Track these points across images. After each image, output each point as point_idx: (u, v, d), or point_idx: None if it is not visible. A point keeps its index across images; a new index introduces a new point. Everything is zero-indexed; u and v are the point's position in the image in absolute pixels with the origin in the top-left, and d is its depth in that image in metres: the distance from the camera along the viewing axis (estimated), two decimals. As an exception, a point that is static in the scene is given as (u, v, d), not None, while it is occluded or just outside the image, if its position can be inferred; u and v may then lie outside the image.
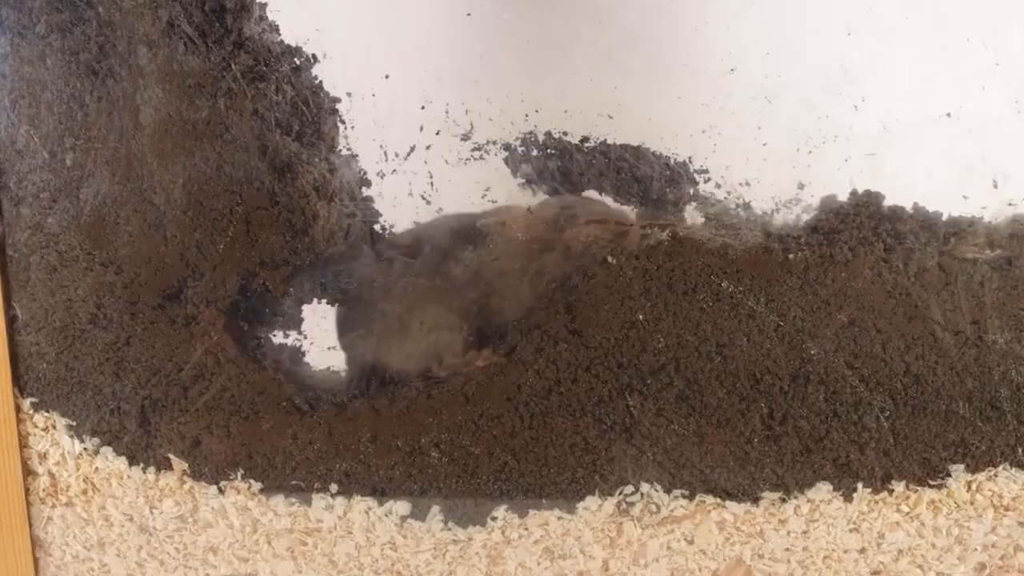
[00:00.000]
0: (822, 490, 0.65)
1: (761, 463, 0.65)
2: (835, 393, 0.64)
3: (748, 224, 0.66)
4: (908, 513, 0.65)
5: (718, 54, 0.63)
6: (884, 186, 0.63)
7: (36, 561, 0.71)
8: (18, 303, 0.66)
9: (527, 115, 0.66)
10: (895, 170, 0.63)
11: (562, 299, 0.65)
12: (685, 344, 0.64)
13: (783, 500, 0.65)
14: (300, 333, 0.71)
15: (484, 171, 0.67)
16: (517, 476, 0.67)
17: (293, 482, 0.68)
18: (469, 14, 0.64)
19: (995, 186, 0.63)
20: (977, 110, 0.62)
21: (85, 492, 0.69)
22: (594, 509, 0.67)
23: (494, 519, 0.67)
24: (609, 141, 0.68)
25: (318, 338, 0.71)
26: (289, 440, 0.67)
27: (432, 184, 0.68)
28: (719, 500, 0.66)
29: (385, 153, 0.67)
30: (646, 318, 0.64)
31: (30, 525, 0.70)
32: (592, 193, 0.68)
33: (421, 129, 0.66)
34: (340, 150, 0.68)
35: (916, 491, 0.65)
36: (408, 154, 0.67)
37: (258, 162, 0.63)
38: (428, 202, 0.68)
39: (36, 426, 0.69)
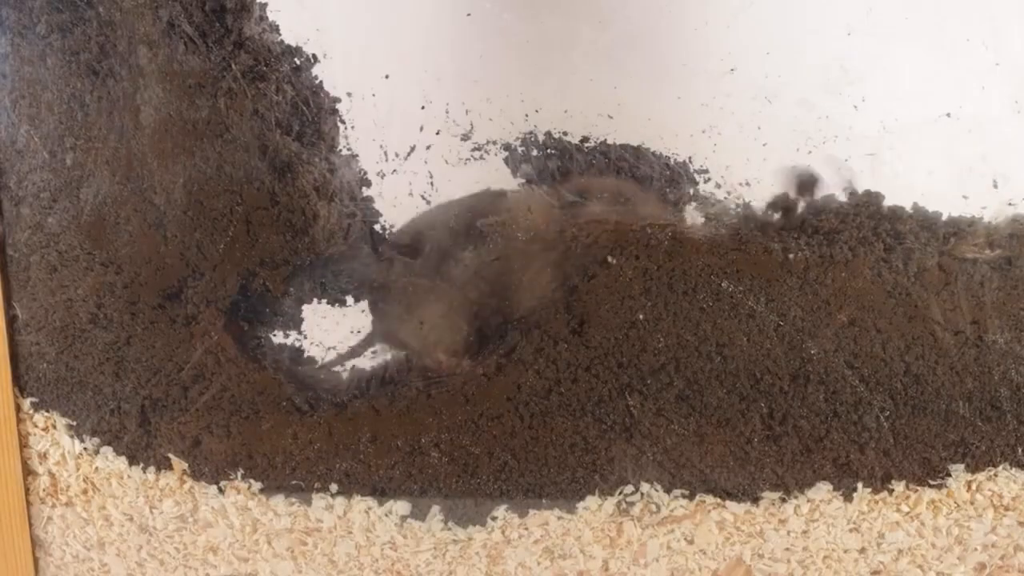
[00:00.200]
0: (822, 490, 0.65)
1: (761, 463, 0.65)
2: (835, 393, 0.64)
3: (748, 224, 0.66)
4: (908, 513, 0.65)
5: (718, 54, 0.63)
6: (884, 186, 0.63)
7: (36, 561, 0.71)
8: (18, 303, 0.67)
9: (527, 115, 0.66)
10: (895, 170, 0.63)
11: (562, 299, 0.65)
12: (685, 344, 0.64)
13: (783, 500, 0.65)
14: (300, 333, 0.71)
15: (484, 171, 0.67)
16: (517, 476, 0.67)
17: (293, 482, 0.68)
18: (469, 14, 0.64)
19: (995, 186, 0.63)
20: (977, 110, 0.62)
21: (85, 492, 0.69)
22: (594, 509, 0.67)
23: (494, 519, 0.67)
24: (609, 141, 0.68)
25: (318, 338, 0.71)
26: (289, 440, 0.67)
27: (432, 184, 0.68)
28: (719, 500, 0.66)
29: (385, 153, 0.67)
30: (646, 318, 0.64)
31: (30, 525, 0.70)
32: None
33: (421, 129, 0.66)
34: (340, 150, 0.68)
35: (916, 491, 0.65)
36: (408, 154, 0.67)
37: (258, 162, 0.63)
38: (428, 202, 0.68)
39: (36, 426, 0.69)
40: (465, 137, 0.66)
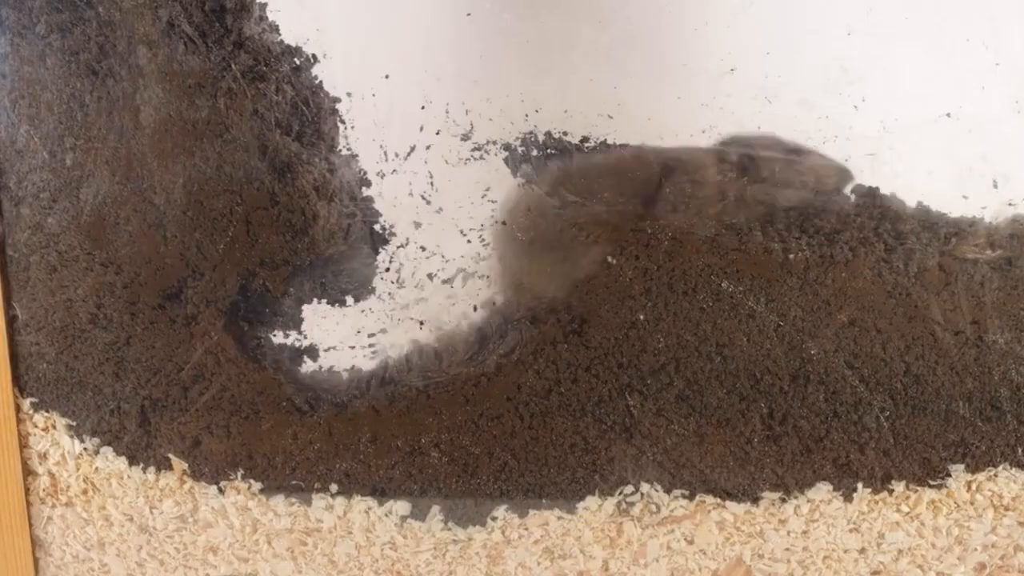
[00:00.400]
0: (822, 490, 0.65)
1: (761, 463, 0.65)
2: (835, 393, 0.64)
3: (748, 224, 0.66)
4: (908, 513, 0.65)
5: (718, 54, 0.63)
6: (884, 186, 0.63)
7: (36, 561, 0.71)
8: (18, 303, 0.67)
9: (527, 115, 0.66)
10: (895, 170, 0.63)
11: (562, 299, 0.65)
12: (685, 344, 0.64)
13: (783, 500, 0.65)
14: (300, 333, 0.71)
15: (484, 171, 0.67)
16: (517, 476, 0.67)
17: (293, 482, 0.68)
18: (469, 14, 0.64)
19: (995, 186, 0.63)
20: (977, 110, 0.62)
21: (85, 492, 0.69)
22: (594, 509, 0.67)
23: (494, 519, 0.67)
24: (609, 141, 0.68)
25: (318, 338, 0.71)
26: (289, 440, 0.67)
27: (432, 184, 0.68)
28: (719, 500, 0.66)
29: (385, 153, 0.67)
30: (646, 318, 0.64)
31: (30, 525, 0.70)
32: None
33: (421, 129, 0.66)
34: (340, 150, 0.68)
35: (916, 491, 0.65)
36: (408, 154, 0.67)
37: (258, 162, 0.63)
38: (428, 202, 0.68)
39: (36, 426, 0.69)
40: (465, 137, 0.66)
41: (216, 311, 0.66)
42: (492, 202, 0.68)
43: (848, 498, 0.65)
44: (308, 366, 0.71)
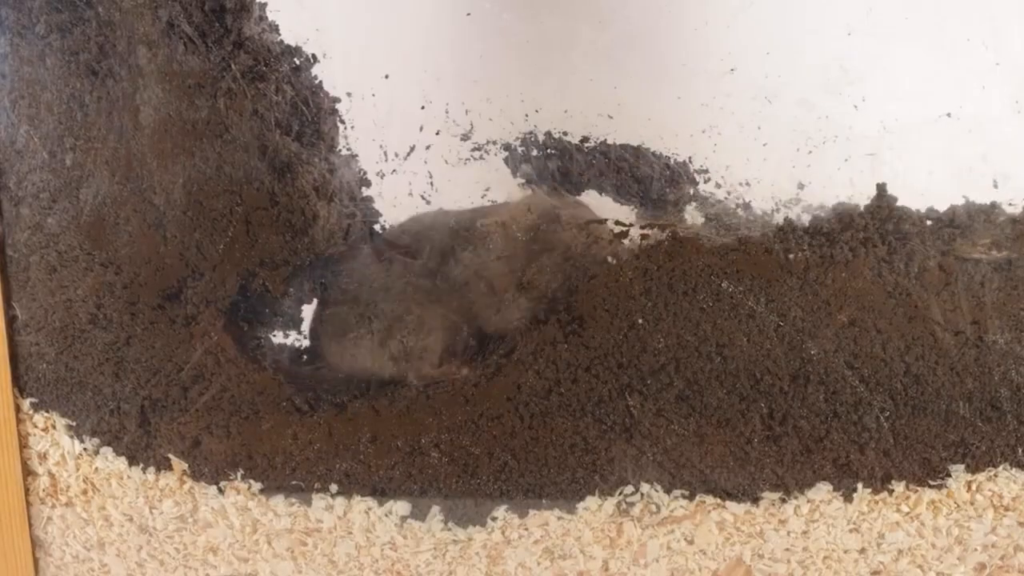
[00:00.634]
0: (822, 490, 0.65)
1: (761, 463, 0.65)
2: (835, 393, 0.64)
3: (748, 224, 0.66)
4: (908, 513, 0.65)
5: (718, 54, 0.63)
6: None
7: (36, 561, 0.71)
8: (18, 303, 0.67)
9: (527, 115, 0.66)
10: (895, 170, 0.63)
11: (562, 299, 0.65)
12: (685, 344, 0.64)
13: (783, 500, 0.65)
14: (300, 333, 0.71)
15: (484, 171, 0.67)
16: (517, 476, 0.67)
17: (293, 482, 0.68)
18: (469, 14, 0.64)
19: (995, 186, 0.63)
20: (977, 110, 0.62)
21: (85, 492, 0.69)
22: (594, 509, 0.67)
23: (494, 519, 0.67)
24: (609, 141, 0.68)
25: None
26: (289, 440, 0.67)
27: (432, 184, 0.68)
28: (719, 500, 0.66)
29: (385, 153, 0.67)
30: (646, 318, 0.64)
31: (30, 525, 0.70)
32: (592, 193, 0.69)
33: (421, 129, 0.66)
34: (340, 150, 0.68)
35: (916, 491, 0.65)
36: (408, 154, 0.67)
37: (258, 162, 0.63)
38: (428, 202, 0.68)
39: (36, 426, 0.69)
40: (465, 137, 0.66)
41: (216, 311, 0.66)
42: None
43: (848, 498, 0.65)
44: (308, 366, 0.71)
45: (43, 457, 0.69)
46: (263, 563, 0.69)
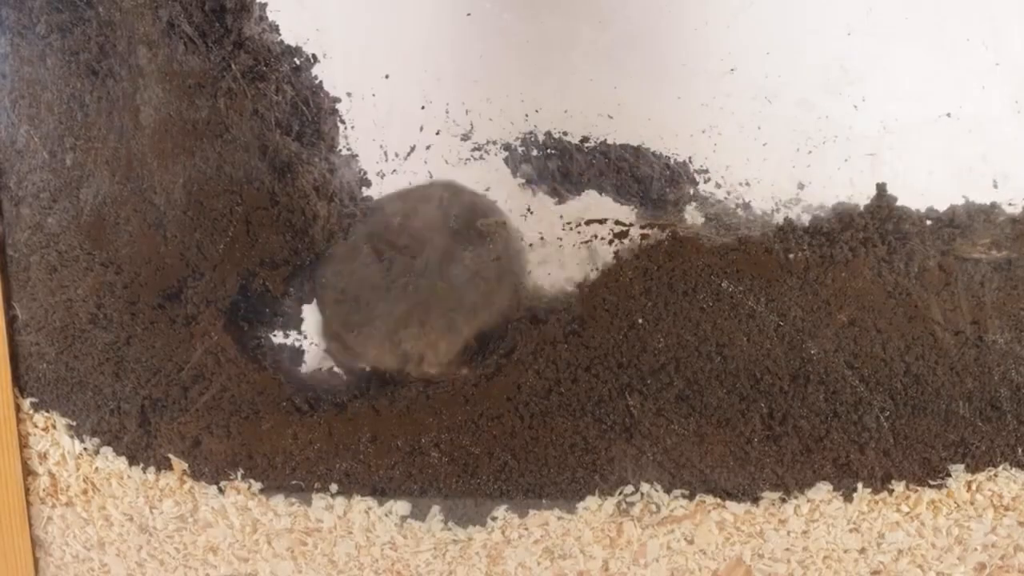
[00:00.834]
0: (822, 490, 0.65)
1: (761, 463, 0.65)
2: (835, 393, 0.64)
3: (748, 224, 0.66)
4: (908, 513, 0.65)
5: (718, 54, 0.63)
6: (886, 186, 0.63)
7: (36, 561, 0.71)
8: (18, 303, 0.67)
9: (527, 115, 0.66)
10: (895, 170, 0.63)
11: (562, 299, 0.65)
12: (685, 344, 0.64)
13: (783, 500, 0.65)
14: (300, 333, 0.71)
15: (484, 171, 0.67)
16: (517, 476, 0.67)
17: (293, 482, 0.68)
18: (469, 14, 0.64)
19: (995, 186, 0.63)
20: (977, 110, 0.62)
21: (85, 492, 0.69)
22: (594, 509, 0.67)
23: (494, 519, 0.67)
24: (609, 141, 0.68)
25: (319, 338, 0.71)
26: (289, 440, 0.67)
27: (432, 184, 0.68)
28: (719, 500, 0.66)
29: (385, 153, 0.67)
30: (646, 318, 0.64)
31: (30, 525, 0.70)
32: (592, 193, 0.69)
33: (421, 129, 0.66)
34: (340, 150, 0.68)
35: (916, 491, 0.65)
36: (408, 154, 0.67)
37: (258, 162, 0.63)
38: (428, 202, 0.68)
39: (36, 426, 0.69)
40: (465, 137, 0.66)
41: (216, 311, 0.66)
42: (492, 202, 0.68)
43: (848, 498, 0.65)
44: (308, 366, 0.71)
45: (43, 457, 0.69)
46: (263, 563, 0.69)
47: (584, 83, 0.65)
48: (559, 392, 0.65)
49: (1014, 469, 0.64)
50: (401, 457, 0.67)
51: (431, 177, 0.67)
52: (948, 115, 0.62)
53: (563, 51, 0.64)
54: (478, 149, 0.67)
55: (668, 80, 0.65)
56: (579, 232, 0.66)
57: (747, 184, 0.66)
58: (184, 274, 0.65)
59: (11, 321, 0.67)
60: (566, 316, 0.65)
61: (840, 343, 0.63)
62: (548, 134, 0.67)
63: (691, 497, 0.66)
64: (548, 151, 0.67)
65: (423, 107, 0.65)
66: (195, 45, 0.61)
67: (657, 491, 0.66)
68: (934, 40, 0.62)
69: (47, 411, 0.69)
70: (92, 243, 0.65)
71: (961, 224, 0.63)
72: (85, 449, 0.69)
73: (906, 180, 0.63)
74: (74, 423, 0.68)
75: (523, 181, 0.68)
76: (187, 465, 0.68)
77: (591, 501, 0.67)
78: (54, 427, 0.69)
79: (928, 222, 0.63)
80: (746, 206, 0.67)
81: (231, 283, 0.65)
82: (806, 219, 0.65)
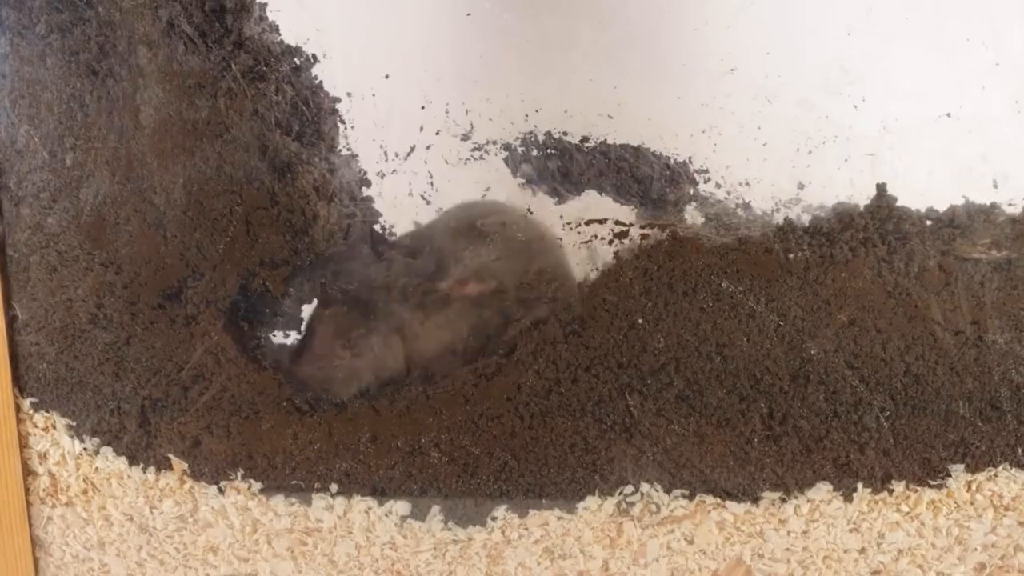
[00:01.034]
0: (822, 490, 0.65)
1: (761, 463, 0.65)
2: (835, 393, 0.64)
3: (748, 224, 0.66)
4: (908, 513, 0.65)
5: (718, 54, 0.63)
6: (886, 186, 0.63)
7: (36, 561, 0.71)
8: (18, 303, 0.67)
9: (527, 115, 0.66)
10: (895, 170, 0.63)
11: (562, 299, 0.65)
12: (685, 344, 0.64)
13: (783, 500, 0.65)
14: (300, 333, 0.71)
15: (484, 171, 0.67)
16: (517, 476, 0.67)
17: (293, 482, 0.68)
18: (469, 14, 0.64)
19: (995, 186, 0.63)
20: (977, 110, 0.62)
21: (85, 492, 0.69)
22: (594, 509, 0.67)
23: (494, 519, 0.67)
24: (609, 141, 0.68)
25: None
26: (289, 440, 0.67)
27: (432, 184, 0.68)
28: (719, 500, 0.66)
29: (385, 153, 0.67)
30: (646, 318, 0.64)
31: (30, 525, 0.70)
32: (592, 193, 0.69)
33: (421, 129, 0.66)
34: (340, 150, 0.68)
35: (916, 491, 0.65)
36: (408, 154, 0.67)
37: (258, 162, 0.63)
38: (428, 202, 0.68)
39: (36, 426, 0.69)
40: (465, 137, 0.66)
41: (216, 311, 0.66)
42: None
43: (848, 498, 0.65)
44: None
45: (43, 457, 0.69)
46: (263, 563, 0.69)
47: (584, 83, 0.65)
48: (559, 392, 0.65)
49: (1014, 469, 0.64)
50: (401, 457, 0.67)
51: (431, 177, 0.67)
52: (948, 115, 0.62)
53: (563, 51, 0.64)
54: (478, 149, 0.67)
55: (668, 80, 0.65)
56: (579, 232, 0.66)
57: (747, 184, 0.67)
58: (184, 274, 0.65)
59: (11, 321, 0.67)
60: (566, 316, 0.65)
61: (840, 343, 0.63)
62: (548, 134, 0.67)
63: (691, 497, 0.66)
64: (548, 151, 0.68)
65: (423, 107, 0.66)
66: (195, 45, 0.61)
67: (657, 491, 0.66)
68: (934, 40, 0.62)
69: (47, 411, 0.69)
70: (92, 243, 0.65)
71: (961, 224, 0.63)
72: (85, 449, 0.69)
73: (906, 180, 0.63)
74: (74, 423, 0.68)
75: (523, 181, 0.68)
76: (187, 465, 0.68)
77: (591, 501, 0.67)
78: (54, 427, 0.69)
79: (928, 222, 0.63)
80: (746, 206, 0.67)
81: (231, 283, 0.65)
82: (806, 219, 0.65)
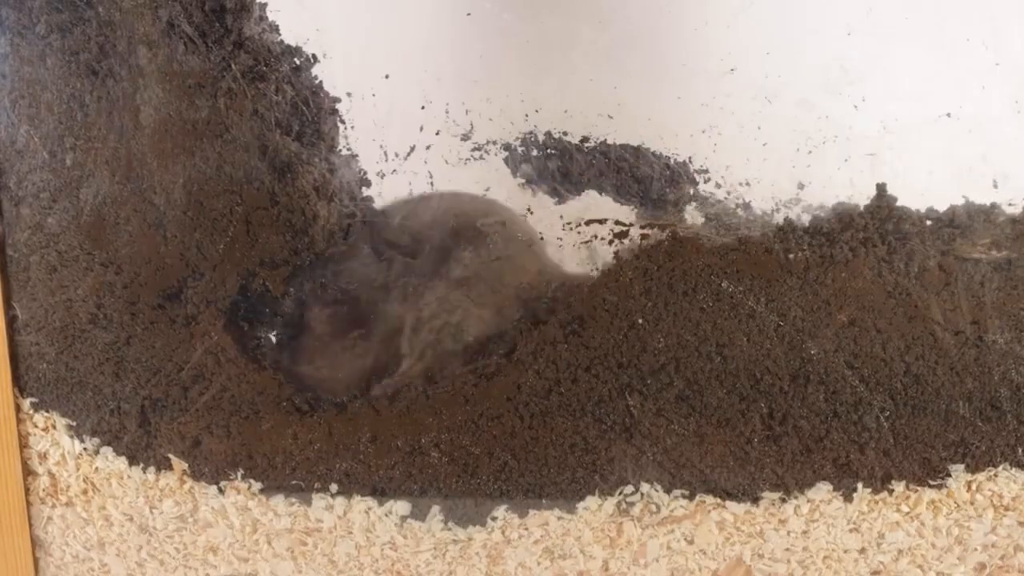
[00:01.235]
0: (822, 490, 0.65)
1: (761, 463, 0.65)
2: (835, 393, 0.64)
3: (748, 224, 0.66)
4: (908, 513, 0.65)
5: (718, 54, 0.63)
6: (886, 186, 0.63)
7: (36, 561, 0.71)
8: (18, 303, 0.67)
9: (527, 115, 0.66)
10: (895, 170, 0.63)
11: (562, 299, 0.65)
12: (685, 344, 0.64)
13: (783, 500, 0.65)
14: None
15: (484, 171, 0.67)
16: (517, 476, 0.67)
17: (293, 482, 0.68)
18: (469, 14, 0.64)
19: (995, 186, 0.63)
20: (977, 110, 0.62)
21: (85, 492, 0.69)
22: (594, 509, 0.67)
23: (494, 519, 0.67)
24: (609, 141, 0.68)
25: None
26: (289, 440, 0.67)
27: (432, 184, 0.68)
28: (719, 500, 0.66)
29: (385, 153, 0.67)
30: (646, 318, 0.64)
31: (30, 525, 0.70)
32: (592, 193, 0.69)
33: (421, 129, 0.66)
34: (340, 150, 0.68)
35: (916, 491, 0.65)
36: (408, 154, 0.67)
37: (258, 162, 0.63)
38: (428, 202, 0.68)
39: (36, 426, 0.69)
40: (465, 137, 0.66)
41: (216, 311, 0.66)
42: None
43: (848, 498, 0.65)
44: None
45: (43, 457, 0.69)
46: (263, 563, 0.69)
47: (584, 83, 0.65)
48: (559, 392, 0.65)
49: (1014, 469, 0.64)
50: (401, 457, 0.67)
51: (431, 177, 0.67)
52: (948, 115, 0.62)
53: (563, 51, 0.64)
54: (478, 149, 0.67)
55: (668, 80, 0.65)
56: (579, 232, 0.66)
57: (747, 184, 0.66)
58: (184, 274, 0.65)
59: (11, 321, 0.67)
60: (566, 316, 0.65)
61: (840, 343, 0.63)
62: (548, 134, 0.67)
63: (691, 497, 0.66)
64: (548, 151, 0.67)
65: (423, 107, 0.65)
66: (195, 45, 0.61)
67: (657, 491, 0.66)
68: (934, 40, 0.62)
69: (47, 411, 0.69)
70: (92, 243, 0.65)
71: (961, 224, 0.63)
72: (85, 449, 0.69)
73: (906, 180, 0.63)
74: (74, 423, 0.68)
75: (523, 181, 0.68)
76: (187, 465, 0.68)
77: (591, 501, 0.67)
78: (54, 427, 0.69)
79: (928, 222, 0.63)
80: (746, 206, 0.67)
81: (231, 283, 0.65)
82: (806, 219, 0.65)
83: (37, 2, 0.61)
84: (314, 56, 0.66)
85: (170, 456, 0.68)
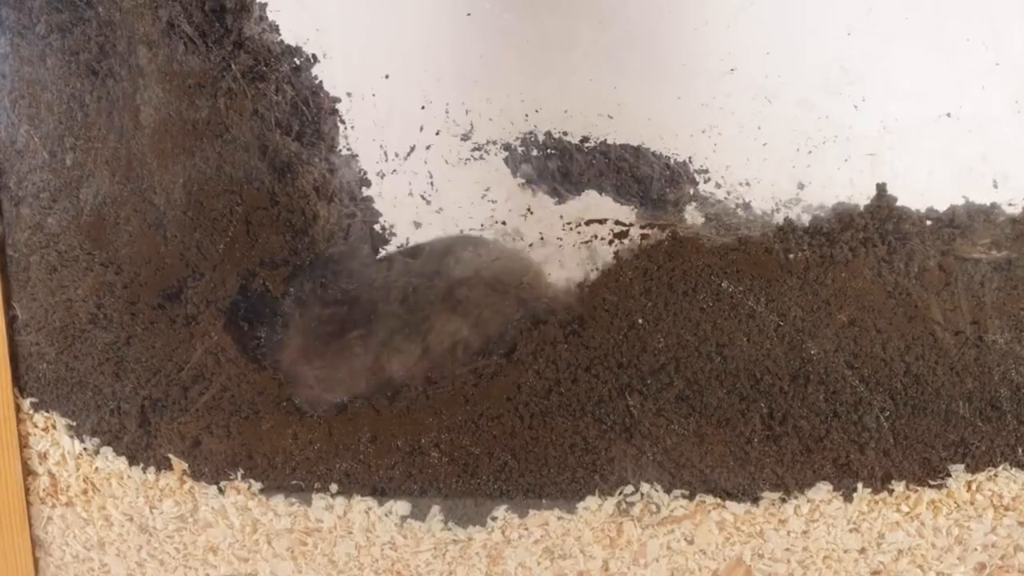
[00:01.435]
0: (822, 490, 0.65)
1: (761, 463, 0.65)
2: (835, 393, 0.64)
3: (748, 224, 0.66)
4: (908, 513, 0.65)
5: (718, 54, 0.63)
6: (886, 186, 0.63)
7: (36, 561, 0.71)
8: (18, 303, 0.67)
9: (527, 115, 0.66)
10: (895, 170, 0.63)
11: (562, 299, 0.65)
12: (685, 344, 0.64)
13: (783, 500, 0.65)
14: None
15: (484, 171, 0.67)
16: (517, 476, 0.67)
17: (293, 482, 0.68)
18: (469, 14, 0.64)
19: (995, 186, 0.63)
20: (977, 110, 0.62)
21: (85, 492, 0.69)
22: (594, 509, 0.67)
23: (494, 519, 0.67)
24: (609, 141, 0.68)
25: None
26: (289, 440, 0.67)
27: (432, 184, 0.68)
28: (719, 500, 0.66)
29: (385, 153, 0.67)
30: (646, 318, 0.64)
31: (30, 525, 0.70)
32: (592, 193, 0.69)
33: (421, 129, 0.66)
34: (340, 150, 0.68)
35: (916, 491, 0.65)
36: (408, 154, 0.67)
37: (258, 162, 0.63)
38: (428, 202, 0.68)
39: (36, 426, 0.69)
40: (465, 137, 0.66)
41: (216, 311, 0.66)
42: (492, 202, 0.68)
43: (848, 498, 0.65)
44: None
45: (43, 457, 0.69)
46: (263, 563, 0.69)
47: (584, 83, 0.65)
48: (559, 392, 0.65)
49: (1014, 469, 0.64)
50: (401, 457, 0.67)
51: (431, 177, 0.67)
52: (948, 115, 0.62)
53: (563, 51, 0.64)
54: (478, 149, 0.67)
55: (668, 80, 0.65)
56: (579, 232, 0.66)
57: (747, 184, 0.66)
58: (184, 274, 0.65)
59: (11, 321, 0.67)
60: (566, 316, 0.65)
61: (840, 343, 0.63)
62: (548, 134, 0.67)
63: (691, 497, 0.66)
64: (548, 151, 0.68)
65: (423, 107, 0.66)
66: (195, 45, 0.61)
67: (657, 491, 0.66)
68: (934, 40, 0.62)
69: (47, 411, 0.69)
70: (92, 243, 0.65)
71: (961, 224, 0.63)
72: (85, 449, 0.69)
73: (906, 180, 0.63)
74: (74, 423, 0.68)
75: (523, 181, 0.68)
76: (187, 465, 0.68)
77: (591, 501, 0.67)
78: (54, 427, 0.69)
79: (928, 222, 0.63)
80: (746, 206, 0.67)
81: (231, 283, 0.65)
82: (806, 219, 0.65)
83: (37, 2, 0.61)
84: (314, 56, 0.66)
85: (170, 456, 0.68)
